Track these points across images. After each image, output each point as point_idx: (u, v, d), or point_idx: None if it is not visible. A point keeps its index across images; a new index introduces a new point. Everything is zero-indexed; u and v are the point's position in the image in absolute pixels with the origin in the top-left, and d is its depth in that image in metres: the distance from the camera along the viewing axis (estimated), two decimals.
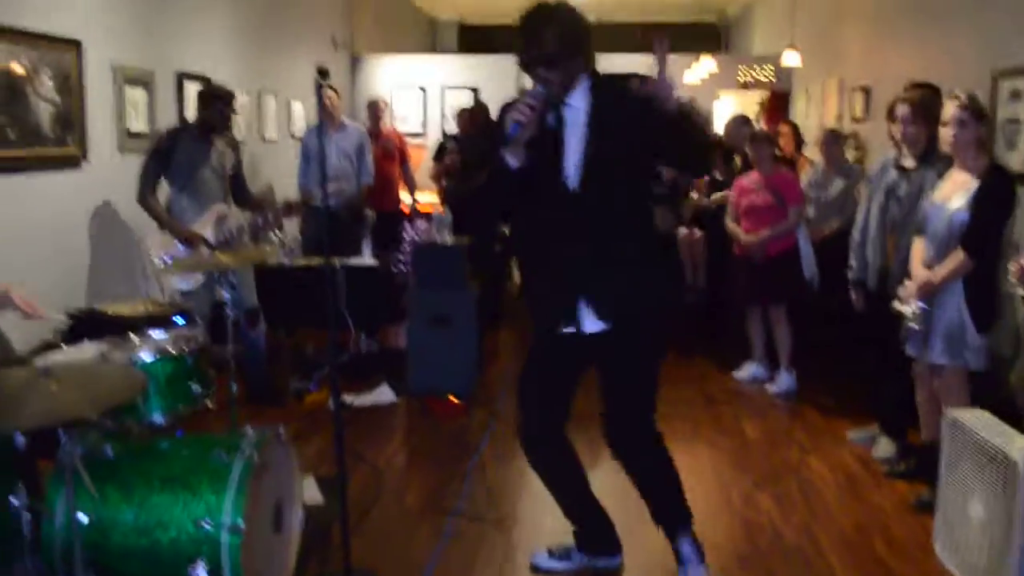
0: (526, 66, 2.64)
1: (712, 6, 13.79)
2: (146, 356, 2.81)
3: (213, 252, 4.26)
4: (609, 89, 2.74)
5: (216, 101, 4.68)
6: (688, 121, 2.66)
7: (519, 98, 2.64)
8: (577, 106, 2.70)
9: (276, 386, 5.14)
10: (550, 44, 2.58)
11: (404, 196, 7.76)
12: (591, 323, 2.75)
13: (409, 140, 8.14)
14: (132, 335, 2.92)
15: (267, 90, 7.51)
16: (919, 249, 3.74)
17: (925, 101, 4.00)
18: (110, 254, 5.19)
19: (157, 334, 2.98)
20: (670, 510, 3.05)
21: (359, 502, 3.68)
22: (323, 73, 2.77)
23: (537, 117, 2.60)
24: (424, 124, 9.94)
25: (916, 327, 3.66)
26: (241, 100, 6.85)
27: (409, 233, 6.19)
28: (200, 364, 2.96)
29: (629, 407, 2.93)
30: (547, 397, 2.95)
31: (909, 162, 4.04)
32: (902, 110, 4.02)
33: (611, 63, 9.58)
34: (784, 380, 5.32)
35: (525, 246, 2.96)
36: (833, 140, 5.99)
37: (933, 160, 3.93)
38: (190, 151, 4.68)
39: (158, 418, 2.86)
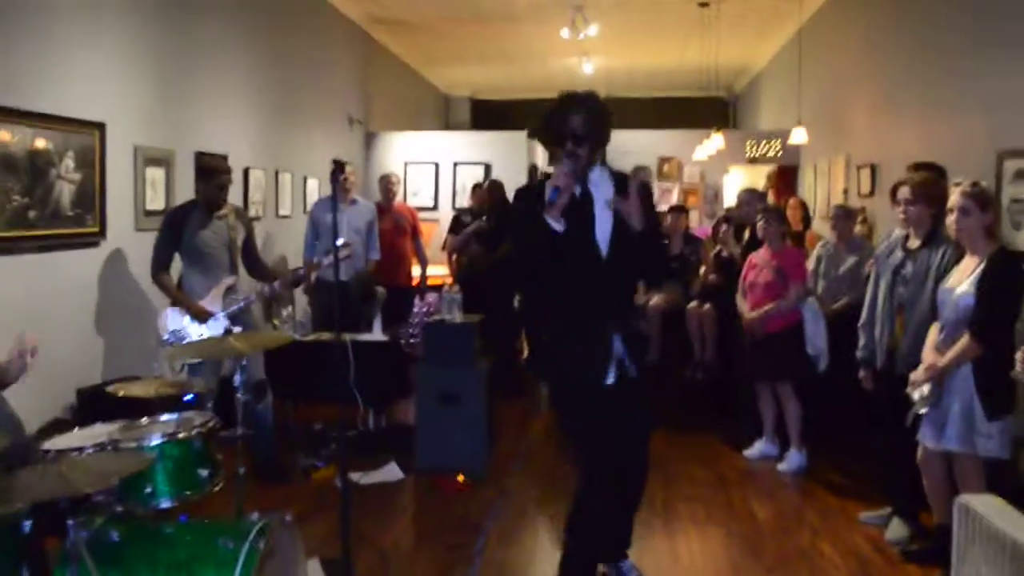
0: (557, 141, 3.14)
1: (720, 82, 14.04)
2: (154, 440, 2.82)
3: (224, 332, 4.32)
4: (618, 175, 3.31)
5: (210, 174, 4.81)
6: (650, 240, 3.25)
7: (552, 173, 3.14)
8: (598, 182, 3.21)
9: (282, 463, 5.13)
10: (580, 124, 3.10)
11: (415, 271, 7.85)
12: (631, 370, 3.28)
13: (421, 215, 8.26)
14: (142, 419, 2.93)
15: (283, 168, 7.66)
16: (933, 334, 3.75)
17: (927, 183, 4.06)
18: (125, 331, 5.25)
19: (166, 417, 3.00)
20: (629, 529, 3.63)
21: None
22: (339, 165, 2.87)
23: (570, 187, 3.08)
24: (436, 199, 10.08)
25: (924, 411, 3.66)
26: (256, 177, 7.01)
27: (419, 307, 6.26)
28: (208, 448, 2.98)
29: (646, 446, 3.52)
30: (607, 444, 3.28)
31: (914, 242, 4.08)
32: (903, 192, 4.10)
33: (620, 138, 9.75)
34: (794, 458, 5.27)
35: (552, 309, 3.31)
36: (844, 216, 6.04)
37: (939, 240, 3.96)
38: (197, 226, 4.80)
39: (165, 503, 2.87)
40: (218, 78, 6.52)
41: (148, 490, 2.81)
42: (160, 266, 4.78)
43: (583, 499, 3.38)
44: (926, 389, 3.63)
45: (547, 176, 3.14)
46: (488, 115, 15.41)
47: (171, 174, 5.70)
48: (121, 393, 3.41)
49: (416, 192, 10.17)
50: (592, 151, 3.15)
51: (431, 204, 10.06)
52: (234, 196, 6.67)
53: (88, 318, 4.97)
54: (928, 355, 3.69)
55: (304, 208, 7.92)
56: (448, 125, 15.07)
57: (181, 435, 2.89)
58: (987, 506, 2.95)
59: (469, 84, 15.27)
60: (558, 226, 3.06)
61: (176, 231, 4.79)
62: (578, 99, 3.15)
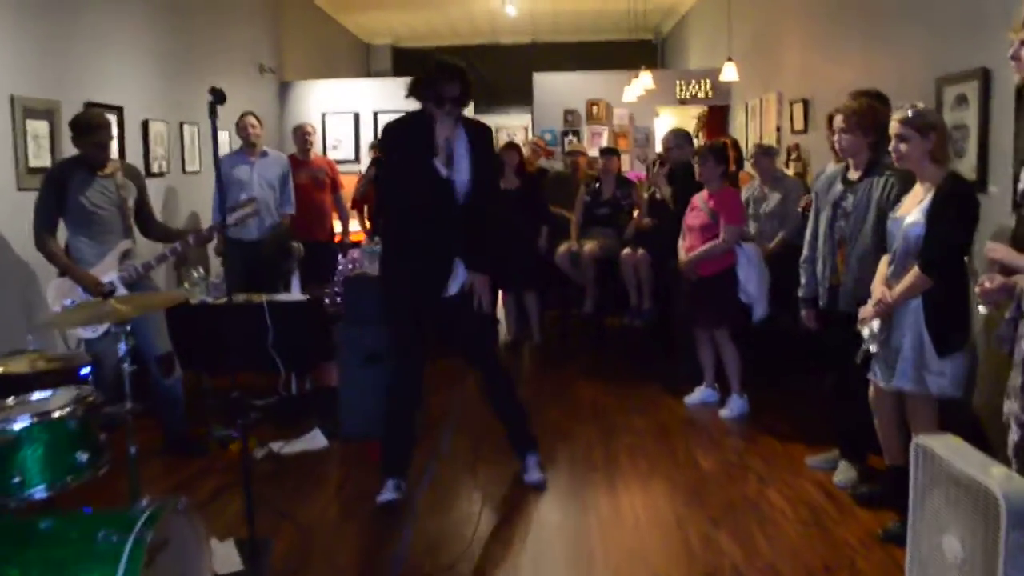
0: (437, 102, 3.65)
1: (647, 24, 13.74)
2: (19, 423, 2.44)
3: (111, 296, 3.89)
4: (472, 124, 3.91)
5: (85, 130, 4.28)
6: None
7: (438, 127, 3.71)
8: (459, 133, 3.79)
9: (196, 436, 4.76)
10: (457, 89, 3.65)
11: (336, 227, 7.44)
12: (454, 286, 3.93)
13: (341, 168, 7.81)
14: (7, 399, 2.55)
15: (189, 120, 7.13)
16: (883, 267, 3.55)
17: (861, 109, 3.85)
18: (7, 301, 4.77)
19: (39, 395, 2.62)
20: (525, 431, 4.22)
21: (286, 567, 3.33)
22: (217, 94, 2.49)
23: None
24: (356, 150, 9.62)
25: (874, 349, 3.47)
26: (157, 130, 6.50)
27: (343, 263, 5.89)
28: (87, 428, 2.60)
29: (484, 348, 4.26)
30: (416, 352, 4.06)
31: (854, 174, 3.88)
32: (837, 121, 3.89)
33: (547, 81, 9.43)
34: (735, 404, 5.11)
35: (407, 230, 3.87)
36: (763, 154, 5.91)
37: (880, 170, 3.77)
38: (82, 186, 4.32)
39: (39, 493, 2.50)
40: (110, 23, 5.96)
41: (16, 480, 2.45)
42: (43, 230, 4.28)
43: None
44: (875, 325, 3.45)
45: (416, 114, 3.78)
46: (411, 64, 14.81)
47: (56, 127, 5.18)
48: None
49: (336, 144, 9.70)
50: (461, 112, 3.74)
51: (352, 156, 9.60)
52: (134, 151, 6.21)
53: None
54: (877, 289, 3.49)
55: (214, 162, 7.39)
56: (369, 74, 14.48)
57: (54, 414, 2.50)
58: (946, 447, 2.76)
59: (390, 32, 14.68)
60: (445, 171, 3.71)
61: (58, 191, 4.28)
62: (455, 70, 3.67)
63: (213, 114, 2.68)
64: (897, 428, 3.59)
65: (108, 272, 4.38)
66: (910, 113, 3.35)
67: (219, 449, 4.70)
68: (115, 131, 5.82)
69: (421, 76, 3.69)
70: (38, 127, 5.04)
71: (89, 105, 5.49)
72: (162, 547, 2.38)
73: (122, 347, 2.79)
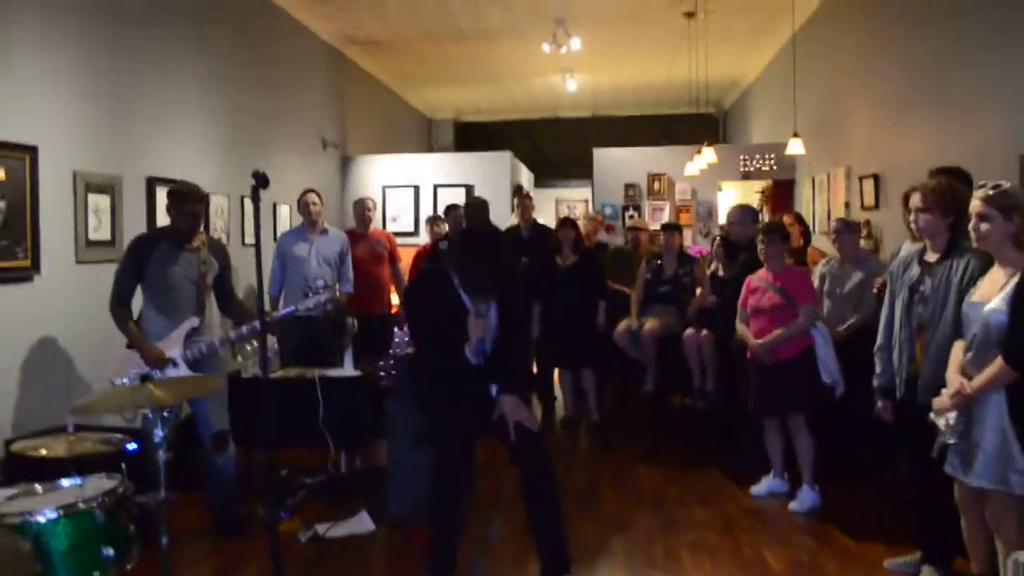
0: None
1: (709, 98, 13.68)
2: (44, 516, 2.33)
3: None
4: None
5: (182, 200, 4.29)
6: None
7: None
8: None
9: (244, 515, 4.63)
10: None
11: (395, 299, 7.38)
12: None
13: (401, 240, 7.78)
14: (35, 485, 2.44)
15: (250, 194, 7.17)
16: (957, 354, 3.29)
17: (941, 188, 3.63)
18: (56, 376, 4.75)
19: (69, 482, 2.51)
20: (562, 551, 3.85)
21: None
22: (260, 178, 2.42)
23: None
24: (416, 223, 9.63)
25: (952, 442, 3.19)
26: (218, 203, 6.55)
27: (400, 336, 5.78)
28: (115, 521, 2.48)
29: (540, 447, 3.92)
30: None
31: (932, 256, 3.64)
32: (915, 200, 3.66)
33: (609, 156, 9.36)
34: (807, 496, 4.79)
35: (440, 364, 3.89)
36: (846, 229, 5.59)
37: (960, 252, 3.53)
38: (165, 259, 4.31)
39: None
40: (172, 98, 6.07)
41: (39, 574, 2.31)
42: (120, 300, 4.26)
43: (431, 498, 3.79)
44: (952, 417, 3.17)
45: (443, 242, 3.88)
46: (472, 137, 15.01)
47: (117, 202, 5.23)
48: (32, 452, 2.93)
49: (395, 217, 9.72)
50: None
51: (411, 229, 9.60)
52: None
53: (16, 363, 4.47)
54: (953, 378, 3.23)
55: (274, 237, 7.44)
56: (431, 148, 14.65)
57: (81, 506, 2.38)
58: None
59: (451, 106, 14.88)
60: (476, 359, 3.80)
61: (139, 262, 4.28)
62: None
63: (256, 198, 2.60)
64: (986, 531, 3.28)
65: (173, 347, 4.33)
66: (992, 192, 3.13)
67: (265, 530, 4.54)
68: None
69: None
70: (99, 201, 5.10)
71: (151, 180, 5.55)
72: None
73: (159, 433, 2.67)
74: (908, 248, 4.14)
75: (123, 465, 2.71)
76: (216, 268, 4.49)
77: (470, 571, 4.00)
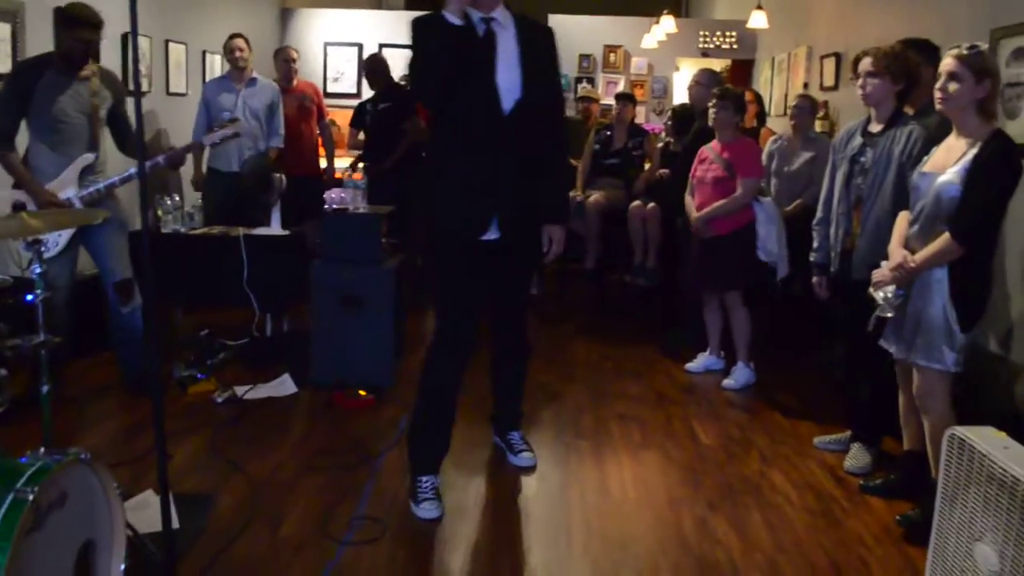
0: None
1: None
2: None
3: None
4: (526, 19, 2.98)
5: (71, 23, 3.85)
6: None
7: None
8: (505, 24, 2.90)
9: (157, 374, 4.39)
10: None
11: (323, 162, 6.98)
12: (494, 231, 3.00)
13: (342, 102, 7.32)
14: None
15: (175, 37, 6.66)
16: (902, 225, 3.14)
17: (893, 52, 3.44)
18: None
19: None
20: (518, 408, 3.64)
21: (227, 525, 2.97)
22: None
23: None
24: (359, 85, 9.11)
25: (889, 315, 3.08)
26: (142, 47, 6.01)
27: (329, 202, 5.48)
28: None
29: (522, 312, 3.44)
30: (475, 304, 3.09)
31: (875, 126, 3.48)
32: (864, 64, 3.47)
33: (564, 24, 8.86)
34: (741, 374, 4.72)
35: (442, 154, 3.05)
36: (807, 107, 5.39)
37: (904, 121, 3.40)
38: (52, 88, 3.90)
39: None
40: None
41: None
42: (1, 135, 3.88)
43: (430, 356, 3.13)
44: (891, 291, 3.04)
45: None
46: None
47: (19, 30, 4.73)
48: None
49: (337, 77, 9.20)
50: None
51: (354, 90, 9.10)
52: (111, 67, 5.73)
53: None
54: (896, 251, 3.09)
55: (202, 86, 6.94)
56: (380, 5, 13.86)
57: None
58: (988, 441, 2.36)
59: None
60: (454, 19, 2.74)
61: (23, 92, 3.87)
62: None
63: (133, 10, 2.23)
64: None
65: (67, 187, 3.99)
66: (968, 51, 2.90)
67: (178, 390, 4.34)
68: None
69: None
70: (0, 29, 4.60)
71: (59, 8, 5.03)
72: (58, 504, 2.03)
73: (35, 268, 2.38)
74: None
75: (37, 304, 2.41)
76: (110, 100, 4.11)
77: (394, 435, 3.84)
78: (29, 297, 2.62)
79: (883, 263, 3.13)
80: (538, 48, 2.95)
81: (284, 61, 6.59)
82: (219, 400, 4.24)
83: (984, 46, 2.98)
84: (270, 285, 5.01)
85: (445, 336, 3.06)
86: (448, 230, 3.03)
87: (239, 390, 4.33)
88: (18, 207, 2.61)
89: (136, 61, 2.26)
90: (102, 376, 4.50)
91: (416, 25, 2.87)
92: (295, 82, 6.64)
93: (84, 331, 4.51)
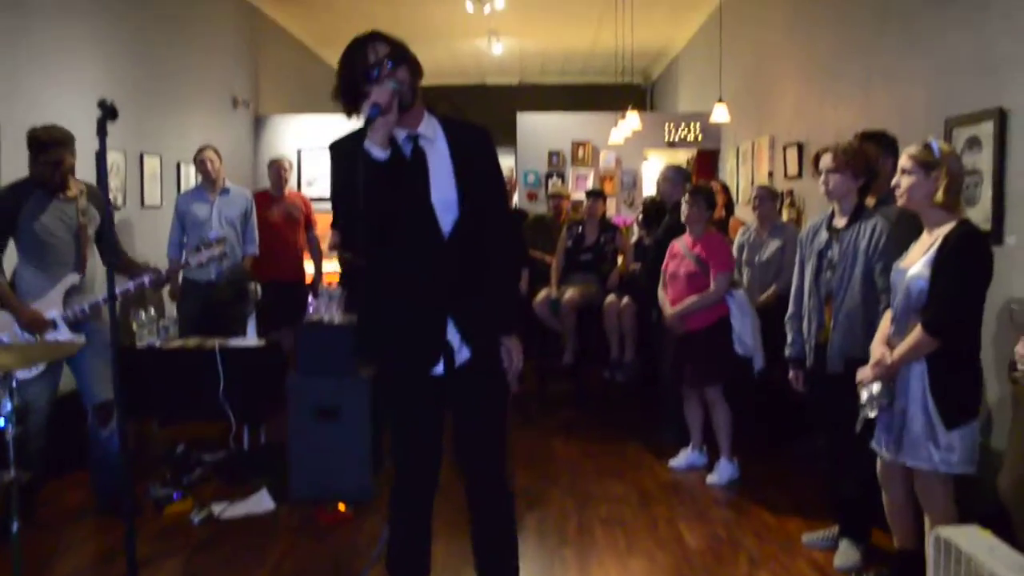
0: (364, 75, 2.49)
1: (636, 68, 13.53)
2: None
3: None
4: (455, 123, 2.70)
5: (40, 147, 3.90)
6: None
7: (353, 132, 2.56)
8: (433, 138, 2.61)
9: (133, 494, 4.29)
10: (384, 48, 2.53)
11: (309, 268, 7.03)
12: (462, 354, 2.64)
13: (317, 206, 7.40)
14: None
15: (149, 150, 6.73)
16: (885, 324, 3.18)
17: (853, 149, 3.55)
18: None
19: None
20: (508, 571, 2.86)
21: None
22: (107, 109, 2.11)
23: (393, 108, 2.41)
24: None
25: (873, 415, 3.08)
26: (112, 159, 6.08)
27: (313, 306, 5.47)
28: None
29: (493, 449, 2.77)
30: (430, 439, 2.70)
31: (840, 220, 3.55)
32: (825, 160, 3.56)
33: (532, 121, 9.11)
34: (725, 469, 4.68)
35: (378, 281, 2.69)
36: (767, 196, 5.51)
37: (867, 215, 3.47)
38: (36, 211, 3.94)
39: None
40: (61, 40, 5.56)
41: None
42: None
43: (393, 492, 2.80)
44: (876, 388, 3.05)
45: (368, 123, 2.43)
46: None
47: None
48: None
49: (311, 181, 9.30)
50: (412, 83, 2.52)
51: (328, 195, 9.18)
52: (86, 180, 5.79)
53: None
54: (877, 349, 3.12)
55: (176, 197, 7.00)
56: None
57: None
58: (974, 543, 2.34)
59: None
60: (380, 153, 2.40)
61: (9, 214, 3.90)
62: (370, 34, 2.58)
63: (102, 131, 2.28)
64: (908, 506, 3.18)
65: (51, 308, 3.97)
66: (914, 148, 3.01)
67: (154, 511, 4.24)
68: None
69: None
70: None
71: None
72: None
73: (6, 404, 2.35)
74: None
75: (8, 428, 2.37)
76: (98, 219, 4.13)
77: (376, 548, 3.75)
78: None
79: (867, 362, 3.15)
80: (472, 154, 2.64)
81: (277, 171, 6.72)
82: (196, 520, 4.14)
83: (937, 140, 3.07)
84: (246, 396, 4.94)
85: (403, 475, 2.75)
86: (391, 368, 2.71)
87: (216, 508, 4.24)
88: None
89: (105, 183, 2.24)
90: (77, 498, 4.40)
91: (334, 153, 2.63)
92: (286, 191, 6.74)
93: (59, 449, 4.42)
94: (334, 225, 6.82)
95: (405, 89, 2.46)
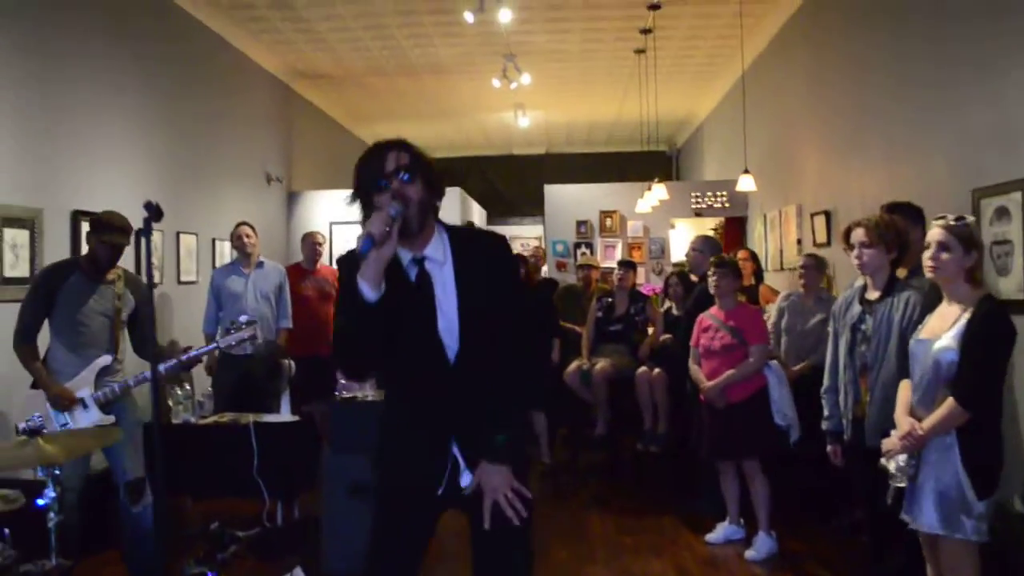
0: (376, 189, 2.28)
1: (660, 136, 13.71)
2: None
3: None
4: (466, 238, 2.48)
5: (104, 229, 4.01)
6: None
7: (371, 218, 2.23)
8: (441, 259, 2.39)
9: (167, 572, 4.29)
10: (405, 158, 2.32)
11: None
12: (466, 477, 2.40)
13: None
14: None
15: (186, 229, 6.90)
16: (905, 394, 3.16)
17: (884, 223, 3.56)
18: None
19: None
20: None
21: None
22: (152, 209, 2.20)
23: (390, 239, 2.20)
24: None
25: (902, 485, 3.05)
26: (152, 239, 6.21)
27: (345, 383, 5.52)
28: None
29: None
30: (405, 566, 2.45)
31: (873, 293, 3.55)
32: (857, 234, 3.56)
33: (560, 192, 9.23)
34: (763, 544, 4.60)
35: (387, 412, 2.52)
36: (814, 266, 5.46)
37: (900, 288, 3.48)
38: (76, 292, 4.03)
39: None
40: (104, 129, 5.78)
41: None
42: (24, 335, 3.97)
43: None
44: (902, 460, 3.03)
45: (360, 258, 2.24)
46: None
47: (37, 236, 4.92)
48: None
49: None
50: (426, 200, 2.32)
51: None
52: (126, 260, 5.93)
53: None
54: (902, 419, 3.10)
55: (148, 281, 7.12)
56: None
57: None
58: None
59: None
60: (370, 293, 2.20)
61: (48, 294, 4.00)
62: (393, 141, 2.39)
63: (147, 232, 2.37)
64: None
65: (83, 388, 4.04)
66: (956, 222, 3.02)
67: None
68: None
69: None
70: (17, 236, 4.78)
71: (76, 213, 5.26)
72: None
73: (48, 493, 2.39)
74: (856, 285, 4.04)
75: (5, 531, 2.41)
76: (132, 304, 4.21)
77: None
78: (40, 502, 2.61)
79: (892, 432, 3.12)
80: (480, 271, 2.42)
81: (311, 244, 6.85)
82: None
83: (971, 218, 3.10)
84: (280, 472, 4.95)
85: None
86: (390, 481, 2.48)
87: None
88: (32, 431, 2.59)
89: (150, 279, 2.31)
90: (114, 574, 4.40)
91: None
92: (318, 265, 6.84)
93: (92, 527, 4.45)
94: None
95: (412, 212, 2.27)
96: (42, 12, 5.13)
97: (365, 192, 2.31)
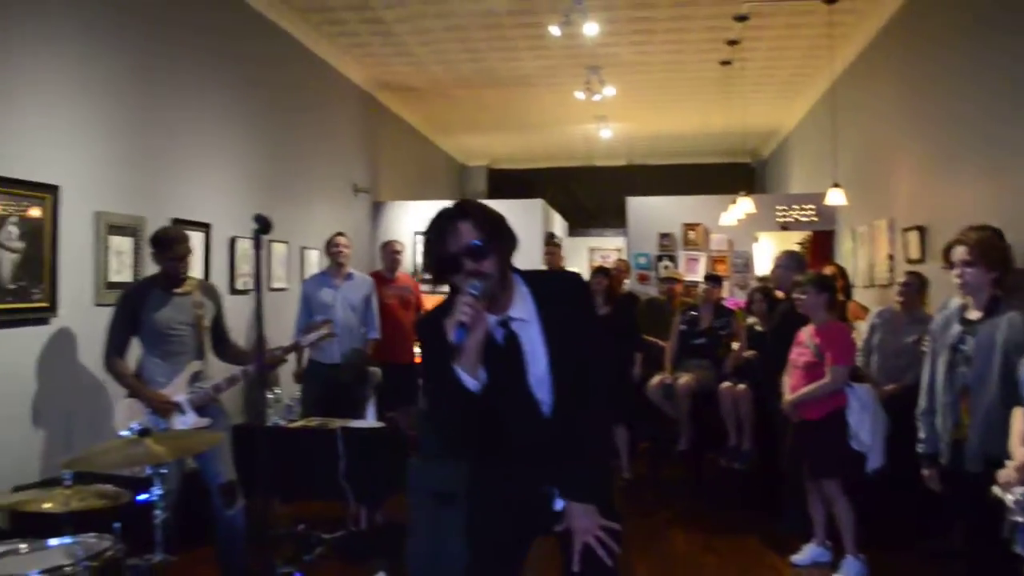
0: (449, 269, 2.24)
1: (746, 147, 13.53)
2: None
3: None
4: (545, 286, 2.42)
5: (166, 245, 4.18)
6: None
7: (455, 302, 2.19)
8: (524, 317, 2.35)
9: (257, 573, 4.41)
10: (473, 232, 2.24)
11: (418, 349, 7.20)
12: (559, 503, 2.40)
13: (428, 287, 7.62)
14: (20, 546, 2.27)
15: (276, 237, 7.10)
16: (1020, 421, 3.04)
17: (985, 241, 3.44)
18: (76, 422, 4.61)
19: (57, 542, 2.33)
20: None
21: None
22: (261, 221, 2.29)
23: (481, 319, 2.20)
24: None
25: (1021, 520, 2.92)
26: (244, 247, 6.44)
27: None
28: None
29: None
30: None
31: (974, 313, 3.42)
32: (959, 252, 3.44)
33: (643, 205, 9.18)
34: (851, 567, 4.48)
35: (480, 458, 2.51)
36: (915, 284, 5.32)
37: (1003, 308, 3.34)
38: (157, 305, 4.20)
39: None
40: (200, 140, 6.01)
41: None
42: (113, 352, 4.16)
43: None
44: (1020, 492, 2.90)
45: (439, 311, 2.27)
46: (506, 184, 14.94)
47: (141, 243, 5.13)
48: (31, 507, 2.75)
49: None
50: (502, 266, 2.28)
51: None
52: (220, 267, 6.16)
53: (28, 406, 4.34)
54: (1018, 450, 2.97)
55: (301, 280, 7.34)
56: (464, 195, 14.59)
57: (65, 570, 2.20)
58: None
59: (485, 153, 14.84)
60: (472, 383, 2.21)
61: (131, 311, 4.18)
62: (456, 209, 2.32)
63: (258, 245, 2.46)
64: None
65: (178, 394, 4.20)
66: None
67: None
68: (201, 247, 5.81)
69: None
70: (121, 243, 5.00)
71: (175, 221, 5.47)
72: None
73: (156, 491, 2.49)
74: (953, 304, 3.91)
75: (116, 525, 2.52)
76: (212, 310, 4.38)
77: None
78: (141, 497, 2.72)
79: (1007, 463, 3.01)
80: (564, 319, 2.39)
81: (390, 253, 6.96)
82: None
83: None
84: (365, 478, 5.04)
85: None
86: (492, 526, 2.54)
87: None
88: (143, 432, 2.73)
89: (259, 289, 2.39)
90: (206, 574, 4.54)
91: (420, 334, 2.43)
92: (398, 273, 6.96)
93: (186, 525, 4.60)
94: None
95: (491, 283, 2.23)
96: (151, 38, 5.38)
97: (439, 271, 2.27)
